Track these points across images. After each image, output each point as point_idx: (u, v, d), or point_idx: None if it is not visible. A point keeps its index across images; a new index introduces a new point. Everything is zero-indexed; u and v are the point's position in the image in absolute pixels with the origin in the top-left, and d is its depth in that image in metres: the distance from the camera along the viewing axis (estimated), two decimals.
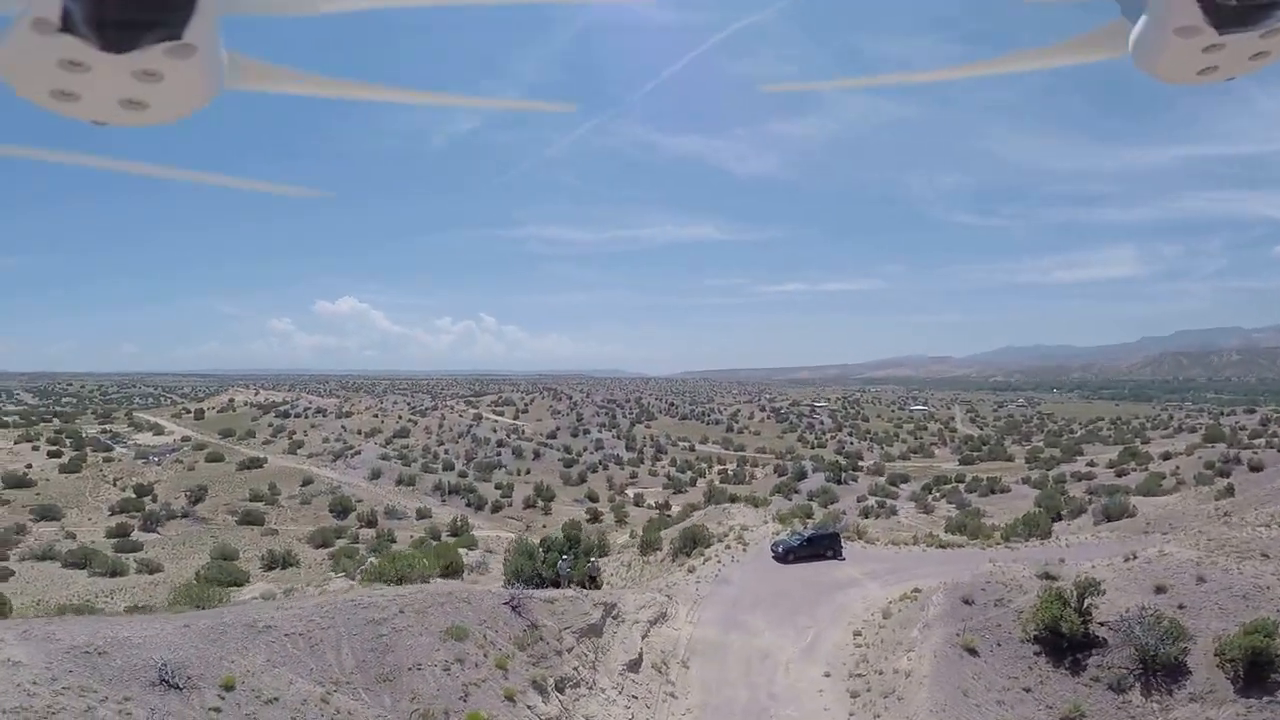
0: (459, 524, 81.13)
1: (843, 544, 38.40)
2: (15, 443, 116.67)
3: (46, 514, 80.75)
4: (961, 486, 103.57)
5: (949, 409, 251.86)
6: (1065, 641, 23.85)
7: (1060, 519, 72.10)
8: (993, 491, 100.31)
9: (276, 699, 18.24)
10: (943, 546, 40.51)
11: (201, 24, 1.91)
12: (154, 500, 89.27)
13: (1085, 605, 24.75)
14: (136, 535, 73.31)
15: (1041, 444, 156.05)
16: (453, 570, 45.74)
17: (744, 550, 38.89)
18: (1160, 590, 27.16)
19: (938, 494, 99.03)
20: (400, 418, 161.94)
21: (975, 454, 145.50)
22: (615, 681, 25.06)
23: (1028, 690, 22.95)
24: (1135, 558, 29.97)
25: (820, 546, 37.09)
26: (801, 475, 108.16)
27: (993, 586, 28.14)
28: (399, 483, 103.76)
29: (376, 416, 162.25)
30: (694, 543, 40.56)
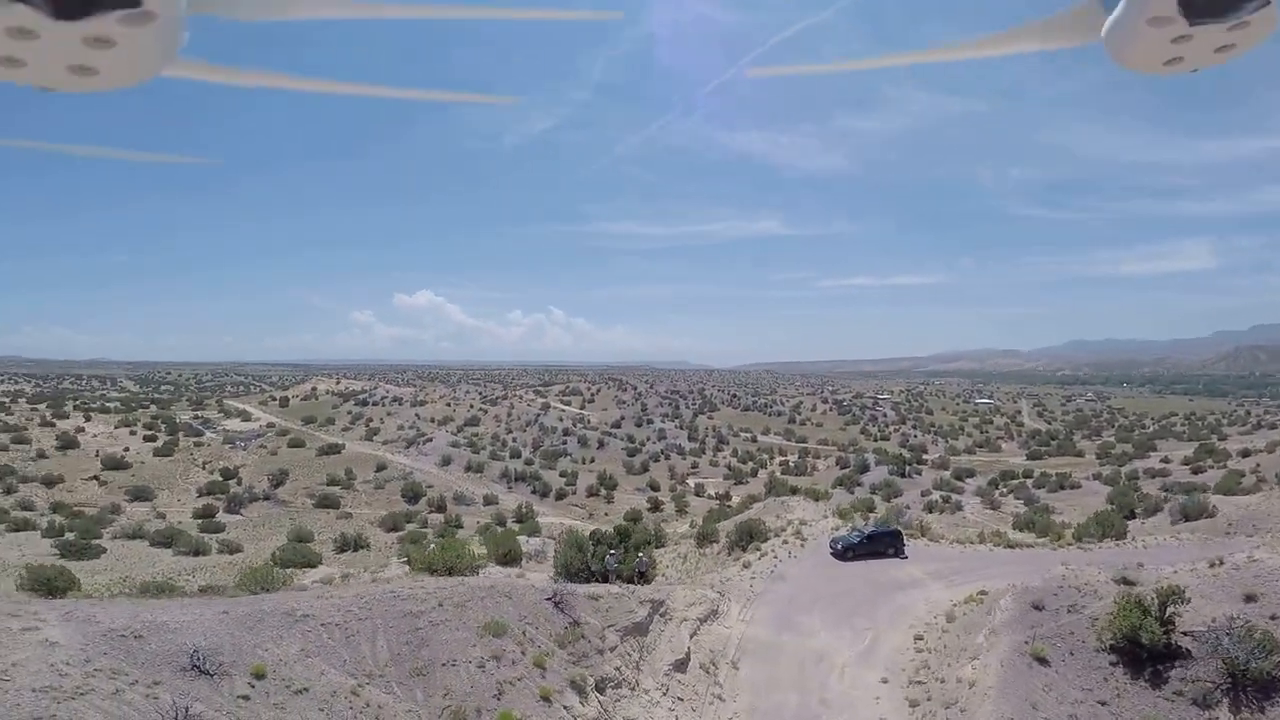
0: (523, 511, 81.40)
1: (905, 542, 36.16)
2: (115, 427, 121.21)
3: (140, 495, 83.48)
4: (1029, 482, 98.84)
5: (1015, 403, 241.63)
6: (1145, 652, 21.51)
7: (1134, 517, 67.55)
8: (1062, 487, 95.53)
9: (306, 689, 17.74)
10: (1011, 546, 37.80)
11: None
12: (238, 483, 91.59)
13: (1168, 614, 22.31)
14: (221, 516, 75.12)
15: (1112, 439, 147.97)
16: (510, 558, 45.18)
17: (802, 546, 37.06)
18: (1250, 599, 24.42)
19: (1004, 489, 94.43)
20: (471, 406, 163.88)
21: (1043, 449, 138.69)
22: (660, 682, 23.85)
23: (1103, 703, 20.72)
24: (1221, 563, 27.16)
25: (881, 544, 34.97)
26: (864, 468, 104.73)
27: (1065, 591, 25.78)
28: (468, 469, 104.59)
29: (449, 405, 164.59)
30: (750, 537, 38.90)
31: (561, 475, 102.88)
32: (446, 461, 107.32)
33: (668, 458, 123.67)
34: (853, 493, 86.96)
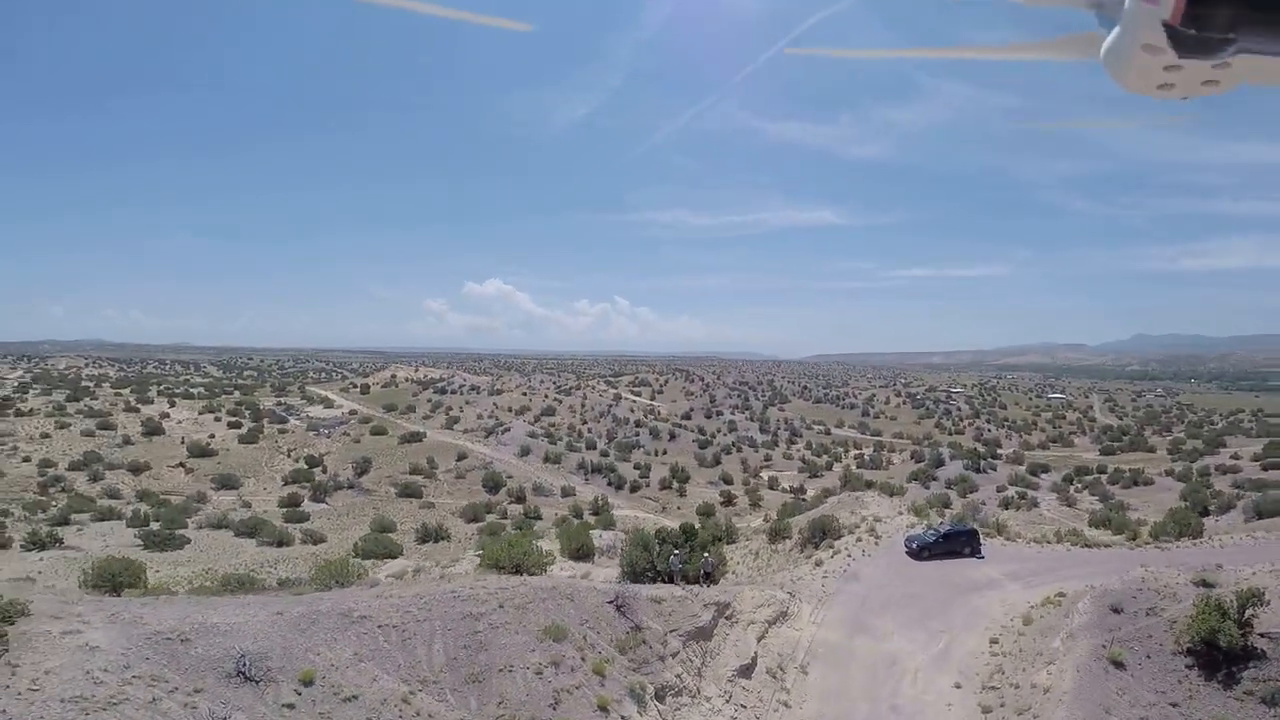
0: (599, 503, 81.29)
1: (981, 541, 35.77)
2: (200, 413, 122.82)
3: (226, 483, 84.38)
4: (1103, 478, 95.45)
5: (1086, 397, 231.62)
6: (1221, 654, 21.22)
7: (1208, 514, 64.67)
8: (1135, 484, 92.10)
9: (355, 697, 16.94)
10: (1089, 545, 36.95)
11: None
12: (323, 471, 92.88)
13: (1246, 616, 21.89)
14: (306, 505, 75.89)
15: (1183, 435, 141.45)
16: (584, 553, 46.07)
17: (876, 544, 37.06)
18: None
19: (1079, 485, 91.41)
20: (546, 396, 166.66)
21: (1116, 444, 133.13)
22: (723, 689, 23.41)
23: (1174, 705, 20.54)
24: None
25: (957, 543, 34.70)
26: (939, 462, 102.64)
27: (1144, 594, 25.38)
28: (545, 460, 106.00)
29: (525, 395, 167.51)
30: (823, 534, 39.05)
31: (635, 467, 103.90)
32: (525, 452, 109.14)
33: (739, 450, 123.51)
34: (928, 488, 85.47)
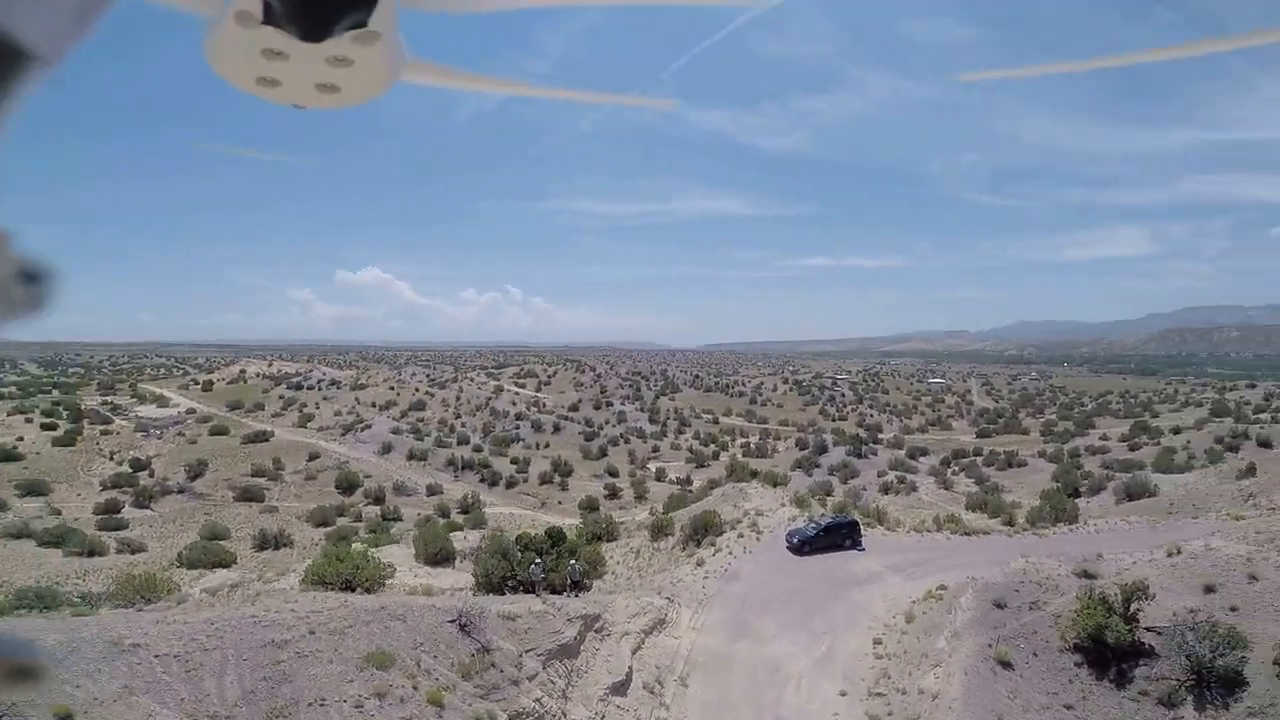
0: (470, 501, 78.30)
1: (862, 532, 35.20)
2: (8, 415, 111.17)
3: (32, 489, 75.92)
4: (979, 460, 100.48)
5: (965, 382, 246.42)
6: (1110, 651, 20.80)
7: (1079, 495, 68.74)
8: (1010, 465, 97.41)
9: None
10: (968, 533, 37.30)
11: (385, 13, 1.93)
12: (150, 475, 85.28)
13: (1131, 610, 21.62)
14: (127, 512, 69.98)
15: (1055, 417, 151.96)
16: (443, 557, 42.99)
17: (758, 539, 35.85)
18: (1210, 590, 23.95)
19: (956, 468, 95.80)
20: (417, 390, 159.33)
21: (991, 427, 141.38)
22: (594, 710, 21.68)
23: (1069, 708, 19.93)
24: (1179, 552, 26.75)
25: (838, 536, 33.94)
26: (822, 449, 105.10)
27: (1027, 587, 25.03)
28: (410, 457, 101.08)
29: (393, 389, 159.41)
30: (705, 531, 37.55)
31: (513, 462, 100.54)
32: (387, 449, 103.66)
33: (627, 441, 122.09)
34: (811, 475, 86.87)
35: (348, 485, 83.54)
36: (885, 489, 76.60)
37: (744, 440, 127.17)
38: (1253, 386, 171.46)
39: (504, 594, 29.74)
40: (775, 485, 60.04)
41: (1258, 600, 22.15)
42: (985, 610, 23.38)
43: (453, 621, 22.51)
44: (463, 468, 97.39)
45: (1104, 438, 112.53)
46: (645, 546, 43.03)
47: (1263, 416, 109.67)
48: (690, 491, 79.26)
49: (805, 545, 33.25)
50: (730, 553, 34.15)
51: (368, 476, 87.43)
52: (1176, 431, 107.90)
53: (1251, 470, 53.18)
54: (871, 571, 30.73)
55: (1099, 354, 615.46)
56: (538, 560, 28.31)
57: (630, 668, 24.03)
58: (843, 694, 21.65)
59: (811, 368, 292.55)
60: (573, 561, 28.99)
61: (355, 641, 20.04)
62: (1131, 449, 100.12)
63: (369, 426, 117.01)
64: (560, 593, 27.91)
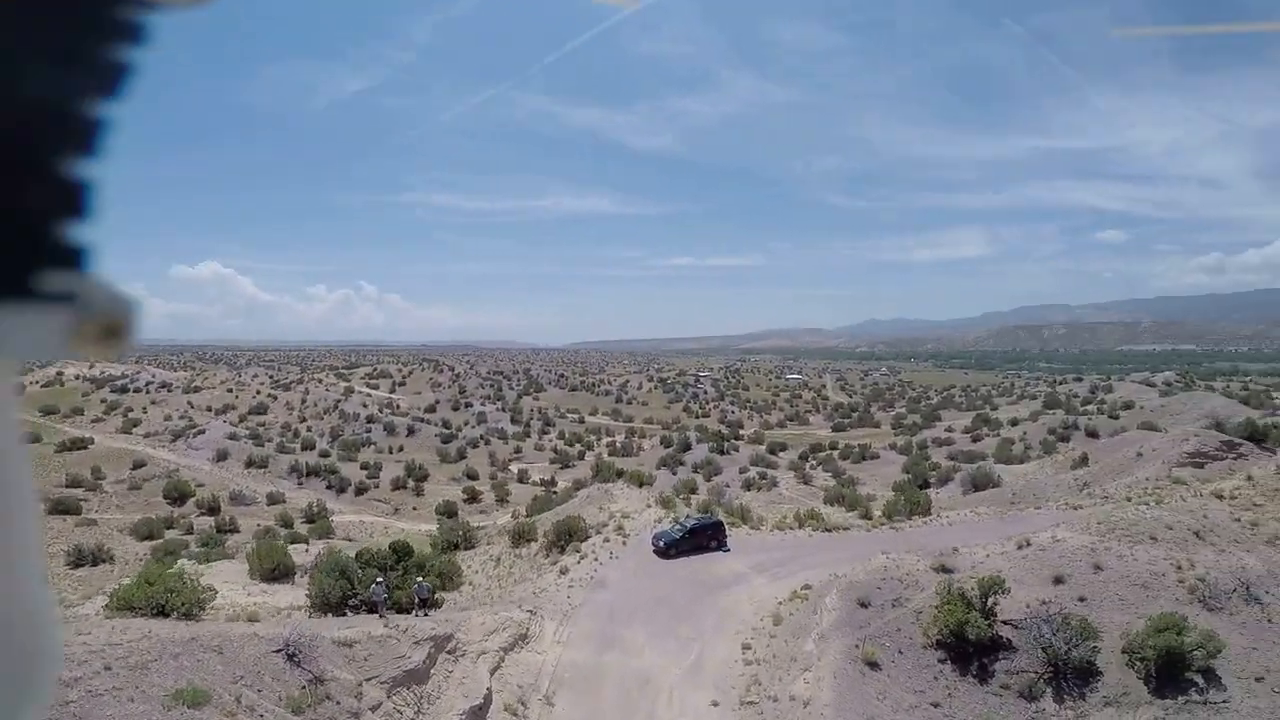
0: (315, 510, 73.87)
1: (727, 532, 35.02)
2: None
3: None
4: (835, 454, 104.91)
5: (821, 377, 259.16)
6: (971, 646, 21.33)
7: (929, 486, 73.16)
8: (864, 458, 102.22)
9: None
10: (828, 529, 37.94)
11: None
12: None
13: (989, 605, 22.34)
14: None
15: (904, 410, 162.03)
16: (281, 573, 39.50)
17: (624, 543, 34.88)
18: (1059, 581, 25.29)
19: (814, 462, 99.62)
20: (258, 392, 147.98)
21: (846, 420, 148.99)
22: None
23: (936, 705, 20.20)
24: (1029, 544, 28.18)
25: (703, 537, 33.54)
26: (686, 446, 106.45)
27: (888, 584, 25.50)
28: (249, 464, 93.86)
29: (231, 391, 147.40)
30: (569, 536, 36.17)
31: (363, 467, 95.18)
32: (223, 456, 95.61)
33: (488, 443, 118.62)
34: (676, 473, 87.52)
35: (178, 495, 76.87)
36: (748, 485, 78.34)
37: (610, 439, 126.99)
38: (1079, 380, 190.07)
39: (345, 615, 27.23)
40: (641, 485, 59.70)
41: (1103, 590, 23.53)
42: (850, 610, 23.50)
43: (279, 651, 20.14)
44: (308, 474, 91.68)
45: (949, 430, 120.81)
46: (506, 553, 41.20)
47: (1089, 408, 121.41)
48: (555, 493, 78.01)
49: (671, 548, 32.63)
50: (596, 559, 33.00)
51: (200, 485, 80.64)
52: (1014, 423, 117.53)
53: (1084, 460, 58.29)
54: (737, 573, 30.52)
55: (943, 350, 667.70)
56: (379, 579, 25.94)
57: (489, 689, 22.41)
58: (715, 704, 20.96)
59: (676, 365, 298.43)
60: (419, 579, 26.79)
61: (162, 677, 17.50)
62: (974, 440, 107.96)
63: (203, 432, 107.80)
64: (408, 612, 25.81)
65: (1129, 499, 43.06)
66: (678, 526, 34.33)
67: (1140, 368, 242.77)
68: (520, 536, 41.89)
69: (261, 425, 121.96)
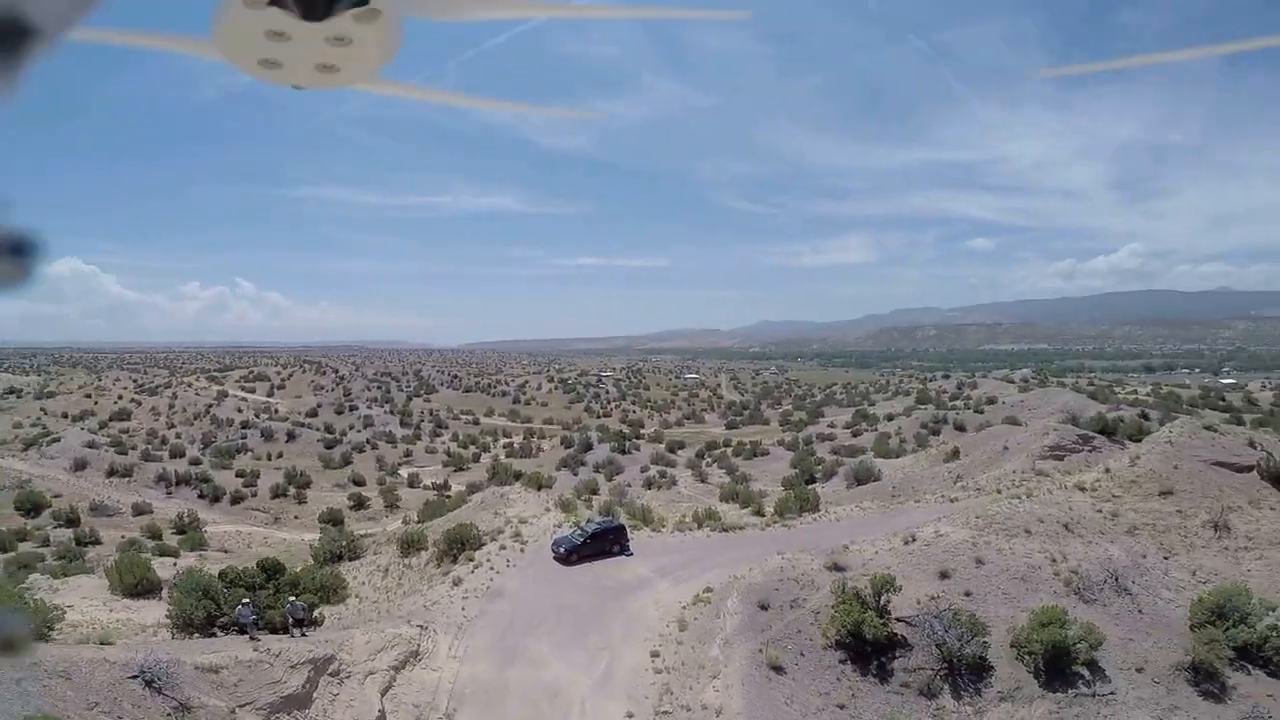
0: (186, 520, 68.96)
1: (629, 535, 34.41)
2: None
3: None
4: (729, 451, 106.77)
5: (717, 377, 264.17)
6: (869, 646, 21.59)
7: (815, 480, 75.45)
8: (755, 455, 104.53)
9: None
10: (726, 529, 37.91)
11: None
12: None
13: (883, 603, 22.71)
14: None
15: (791, 408, 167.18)
16: (145, 589, 36.41)
17: (522, 550, 33.64)
18: (945, 576, 26.08)
19: (710, 460, 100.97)
20: (120, 397, 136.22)
21: (738, 419, 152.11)
22: None
23: (841, 707, 20.32)
24: (915, 539, 29.01)
25: (605, 542, 32.79)
26: (587, 446, 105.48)
27: (786, 585, 25.58)
28: (111, 474, 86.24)
29: (90, 397, 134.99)
30: (462, 545, 34.52)
31: (239, 475, 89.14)
32: (81, 466, 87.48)
33: (375, 447, 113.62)
34: (577, 474, 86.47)
35: (31, 506, 70.60)
36: (648, 484, 78.39)
37: (507, 441, 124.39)
38: (947, 377, 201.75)
39: (215, 635, 24.87)
40: (540, 488, 58.42)
41: (986, 584, 24.37)
42: (752, 613, 23.38)
43: (136, 677, 18.29)
44: (177, 483, 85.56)
45: (831, 425, 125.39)
46: (395, 563, 39.04)
47: (957, 403, 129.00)
48: (448, 497, 75.67)
49: (573, 554, 31.71)
50: (492, 567, 31.63)
51: (57, 496, 74.47)
52: (890, 418, 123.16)
53: (955, 454, 61.38)
54: (641, 577, 29.97)
55: (827, 350, 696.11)
56: (246, 600, 23.76)
57: (381, 710, 21.03)
58: (630, 715, 20.26)
59: (578, 365, 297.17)
60: (292, 598, 24.67)
61: (6, 703, 15.68)
62: (854, 435, 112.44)
63: (58, 440, 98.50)
64: (284, 632, 23.80)
65: (999, 491, 45.48)
66: (579, 531, 33.40)
67: (1001, 366, 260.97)
68: (409, 545, 39.78)
69: (125, 432, 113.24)
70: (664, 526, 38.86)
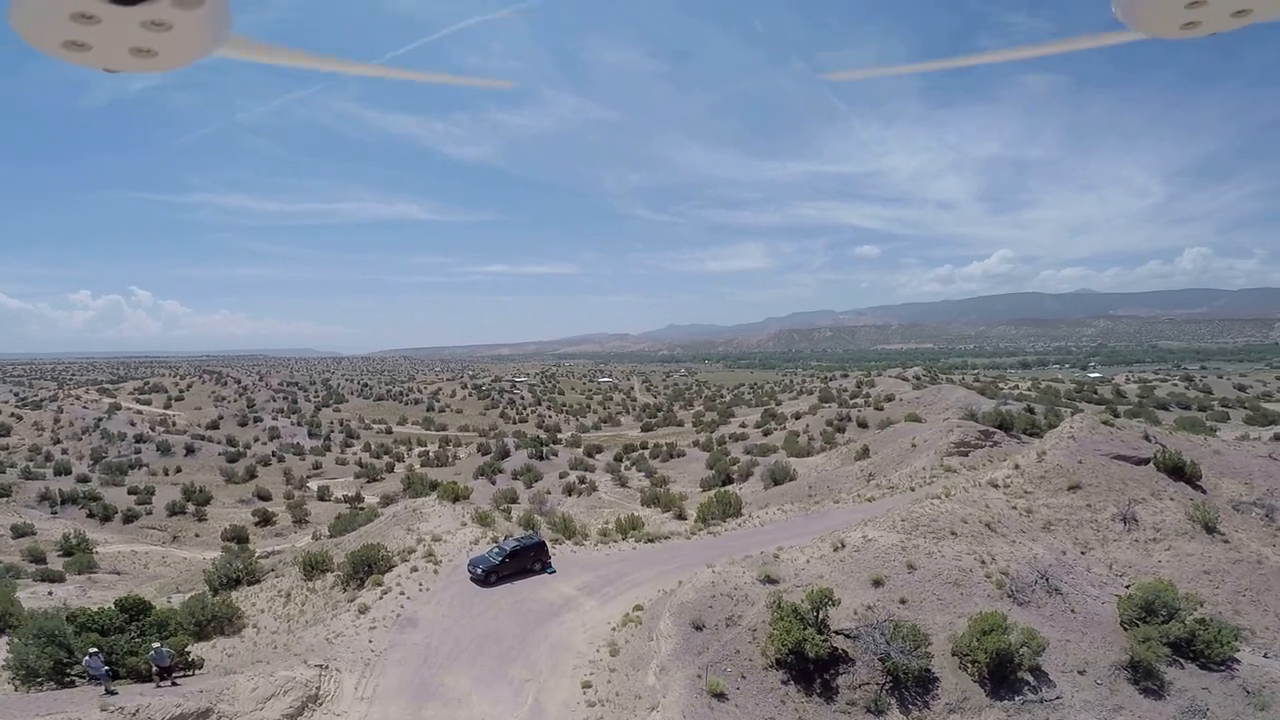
0: (73, 541, 61.95)
1: (550, 552, 31.70)
2: None
3: None
4: (646, 453, 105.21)
5: (629, 380, 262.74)
6: (811, 664, 19.78)
7: (732, 481, 74.50)
8: (671, 456, 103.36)
9: None
10: (651, 540, 35.68)
11: None
12: None
13: (821, 617, 20.98)
14: None
15: (702, 408, 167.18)
16: (7, 623, 31.47)
17: (436, 571, 30.41)
18: (879, 584, 24.67)
19: (628, 463, 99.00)
20: (0, 412, 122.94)
21: (653, 420, 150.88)
22: None
23: None
24: (844, 545, 27.56)
25: (526, 559, 29.95)
26: (505, 454, 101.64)
27: (719, 601, 23.54)
28: None
29: None
30: (369, 567, 31.01)
31: (131, 493, 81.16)
32: None
33: (282, 459, 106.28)
34: (495, 482, 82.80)
35: None
36: (568, 490, 75.61)
37: (422, 449, 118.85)
38: (845, 376, 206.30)
39: (71, 686, 20.85)
40: (456, 499, 54.66)
41: (921, 590, 23.02)
42: (686, 634, 21.23)
43: None
44: (63, 502, 77.54)
45: (743, 425, 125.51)
46: (298, 587, 34.93)
47: (857, 401, 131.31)
48: (361, 509, 70.85)
49: (491, 574, 28.79)
50: (403, 592, 28.35)
51: None
52: (798, 417, 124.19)
53: (865, 452, 61.29)
54: (566, 597, 27.38)
55: (732, 352, 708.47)
56: (94, 650, 19.76)
57: None
58: None
59: (491, 371, 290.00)
60: (156, 644, 20.76)
61: None
62: (765, 434, 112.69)
63: None
64: (149, 681, 20.07)
65: (912, 489, 45.31)
66: (497, 549, 30.42)
67: (892, 364, 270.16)
68: (313, 567, 35.79)
69: (4, 449, 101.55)
70: (587, 539, 36.27)
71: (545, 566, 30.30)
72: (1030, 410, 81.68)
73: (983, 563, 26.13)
